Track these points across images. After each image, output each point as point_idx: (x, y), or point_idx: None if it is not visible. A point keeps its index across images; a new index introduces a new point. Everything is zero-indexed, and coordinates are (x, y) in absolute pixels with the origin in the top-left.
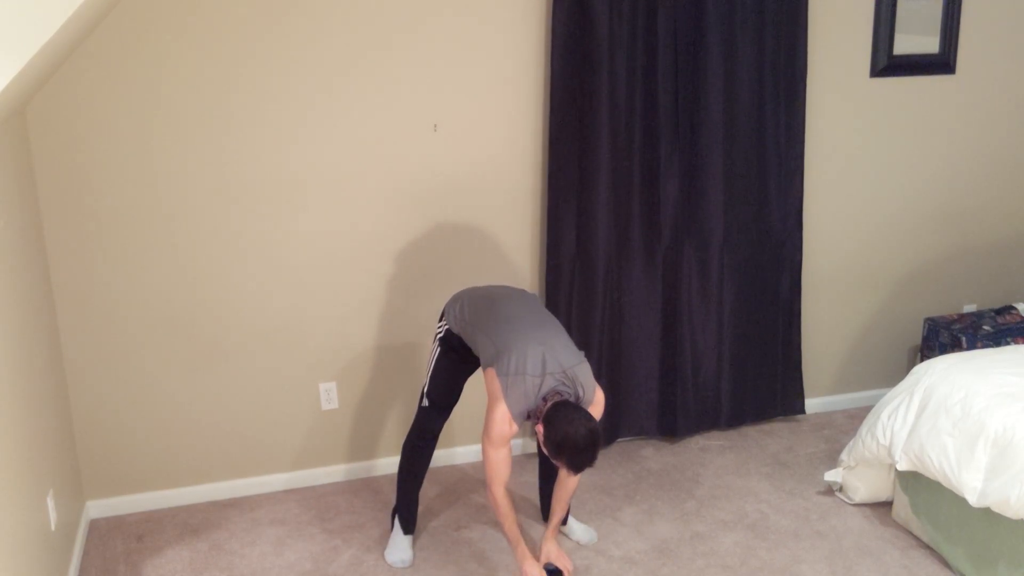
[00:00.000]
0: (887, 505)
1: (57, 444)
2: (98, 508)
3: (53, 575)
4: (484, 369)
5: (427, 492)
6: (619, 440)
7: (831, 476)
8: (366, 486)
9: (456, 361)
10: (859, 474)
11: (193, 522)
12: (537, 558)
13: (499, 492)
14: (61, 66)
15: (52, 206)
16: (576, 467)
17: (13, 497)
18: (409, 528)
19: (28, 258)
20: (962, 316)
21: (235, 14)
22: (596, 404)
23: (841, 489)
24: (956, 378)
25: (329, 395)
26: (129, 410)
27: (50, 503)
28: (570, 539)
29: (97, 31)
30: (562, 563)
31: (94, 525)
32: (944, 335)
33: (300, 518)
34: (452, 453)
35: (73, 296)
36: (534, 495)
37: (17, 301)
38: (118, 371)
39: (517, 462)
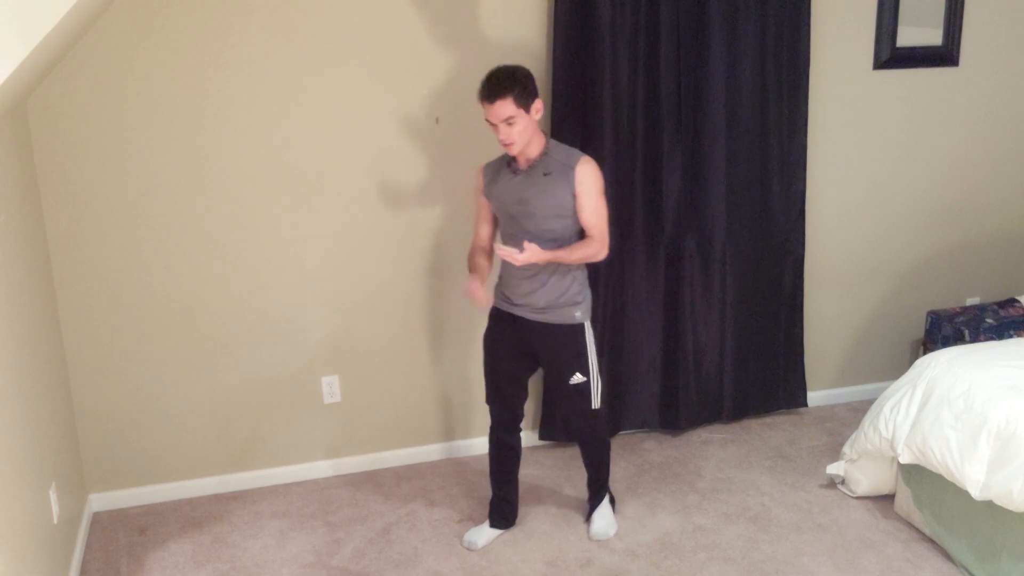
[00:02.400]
0: (889, 498)
1: (59, 437)
2: (100, 501)
3: (56, 568)
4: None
5: (429, 484)
6: (621, 433)
7: (833, 469)
8: (368, 479)
9: (490, 347)
10: (861, 467)
11: (196, 515)
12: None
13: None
14: (62, 60)
15: (53, 200)
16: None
17: (15, 490)
18: (492, 521)
19: (29, 252)
20: (965, 309)
21: (234, 8)
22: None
23: (843, 482)
24: (959, 371)
25: (331, 389)
26: (131, 403)
27: (52, 496)
28: (588, 530)
29: (97, 25)
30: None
31: (97, 518)
32: (947, 328)
33: (302, 511)
34: (451, 447)
35: (75, 289)
36: (539, 488)
37: (19, 294)
38: (120, 364)
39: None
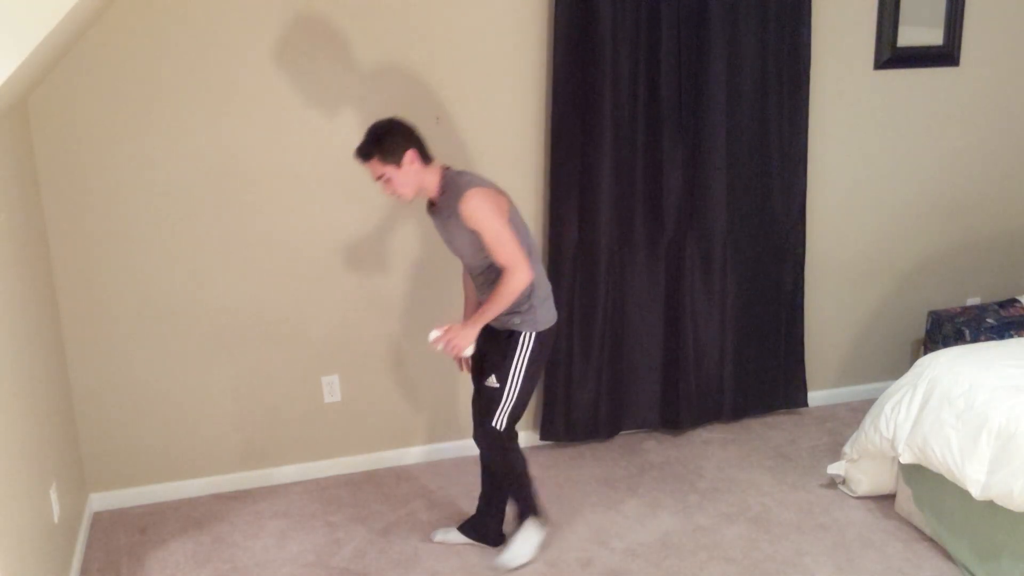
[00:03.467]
0: (890, 498)
1: (60, 437)
2: (101, 501)
3: (56, 568)
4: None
5: (428, 484)
6: (621, 433)
7: (834, 469)
8: (369, 479)
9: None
10: (862, 467)
11: (196, 515)
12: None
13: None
14: (63, 58)
15: (54, 199)
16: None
17: (16, 490)
18: (462, 523)
19: (30, 251)
20: (966, 309)
21: (235, 8)
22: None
23: (844, 482)
24: (960, 371)
25: (332, 388)
26: (132, 403)
27: (53, 496)
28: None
29: (99, 23)
30: (448, 338)
31: (97, 518)
32: (947, 328)
33: (303, 511)
34: (452, 447)
35: (75, 289)
36: (539, 488)
37: (19, 294)
38: (120, 364)
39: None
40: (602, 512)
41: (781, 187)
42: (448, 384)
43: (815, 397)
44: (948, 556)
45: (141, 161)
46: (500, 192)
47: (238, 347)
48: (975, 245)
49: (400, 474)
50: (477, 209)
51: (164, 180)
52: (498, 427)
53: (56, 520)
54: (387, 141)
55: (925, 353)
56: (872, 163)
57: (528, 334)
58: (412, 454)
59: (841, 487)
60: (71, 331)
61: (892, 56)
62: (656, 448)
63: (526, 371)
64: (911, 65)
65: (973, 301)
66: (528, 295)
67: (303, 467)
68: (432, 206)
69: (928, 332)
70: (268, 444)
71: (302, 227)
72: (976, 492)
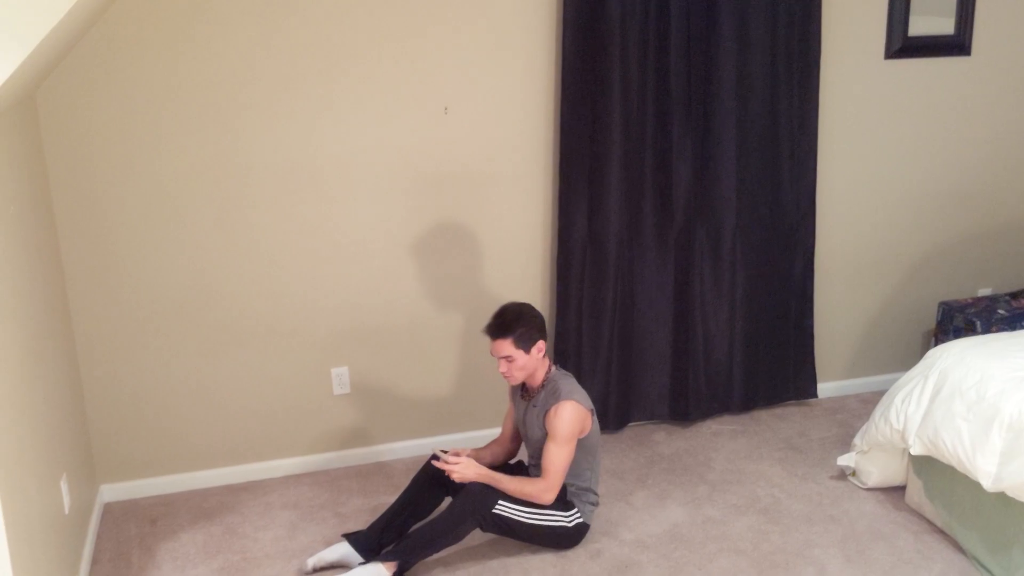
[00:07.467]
0: (900, 489)
1: (70, 428)
2: (112, 492)
3: (67, 559)
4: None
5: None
6: (631, 424)
7: (844, 460)
8: (378, 470)
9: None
10: (872, 458)
11: (207, 506)
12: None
13: None
14: (71, 51)
15: (63, 191)
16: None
17: (27, 481)
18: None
19: (40, 243)
20: (976, 300)
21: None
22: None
23: (854, 473)
24: (971, 362)
25: (341, 380)
26: (142, 394)
27: (64, 487)
28: None
29: (107, 16)
30: (451, 460)
31: (108, 509)
32: (958, 319)
33: (313, 502)
34: (460, 438)
35: (85, 281)
36: None
37: (29, 286)
38: (130, 355)
39: None
40: (611, 503)
41: (791, 178)
42: (457, 376)
43: (825, 388)
44: (959, 548)
45: (150, 154)
46: (589, 412)
47: (247, 339)
48: (986, 236)
49: (409, 465)
50: (564, 420)
51: (174, 172)
52: (493, 507)
53: (67, 511)
54: (523, 326)
55: (936, 344)
56: (882, 153)
57: (573, 520)
58: (421, 445)
59: (851, 479)
60: (81, 323)
61: (903, 46)
62: (665, 440)
63: (534, 524)
64: (922, 55)
65: (984, 292)
66: (585, 487)
67: (313, 458)
68: (523, 391)
69: (939, 323)
70: (278, 435)
71: (312, 219)
72: (987, 484)
